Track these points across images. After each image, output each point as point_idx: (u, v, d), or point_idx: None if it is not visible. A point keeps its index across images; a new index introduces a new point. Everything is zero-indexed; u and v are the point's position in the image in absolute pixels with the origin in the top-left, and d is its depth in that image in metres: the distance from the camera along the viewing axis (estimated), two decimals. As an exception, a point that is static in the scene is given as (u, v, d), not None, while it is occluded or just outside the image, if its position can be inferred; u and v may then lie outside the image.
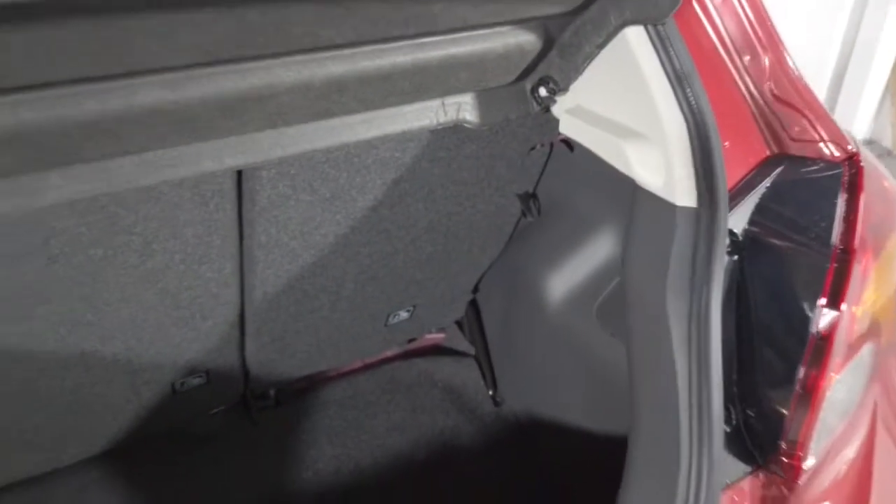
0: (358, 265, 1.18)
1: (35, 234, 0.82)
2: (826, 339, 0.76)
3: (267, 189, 0.92)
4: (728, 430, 0.82)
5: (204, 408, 1.37)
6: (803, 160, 0.88)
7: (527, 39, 0.87)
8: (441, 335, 1.66)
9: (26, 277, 0.86)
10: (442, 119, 0.95)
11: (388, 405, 1.47)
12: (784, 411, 0.78)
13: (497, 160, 1.14)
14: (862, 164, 0.85)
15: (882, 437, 0.89)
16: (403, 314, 1.41)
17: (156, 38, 0.61)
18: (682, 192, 0.83)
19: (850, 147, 0.88)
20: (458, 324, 1.63)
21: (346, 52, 0.76)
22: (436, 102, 0.93)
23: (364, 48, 0.77)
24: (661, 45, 0.82)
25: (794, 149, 0.89)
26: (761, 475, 0.83)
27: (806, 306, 0.77)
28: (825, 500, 0.84)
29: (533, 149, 1.16)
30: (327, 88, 0.77)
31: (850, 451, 0.87)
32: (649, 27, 0.82)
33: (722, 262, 0.79)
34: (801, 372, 0.77)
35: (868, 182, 0.84)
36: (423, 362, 1.59)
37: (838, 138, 0.88)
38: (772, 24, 0.90)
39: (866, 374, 0.85)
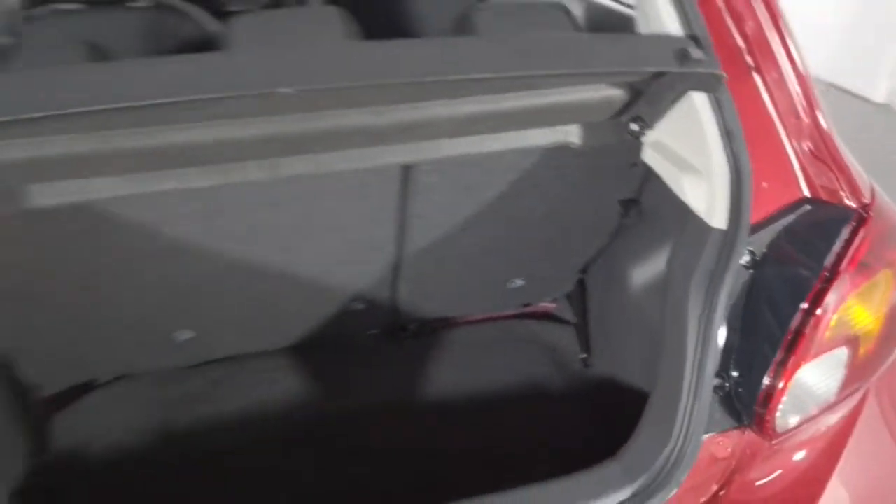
0: (484, 239, 1.56)
1: (272, 192, 1.29)
2: (799, 333, 1.03)
3: (423, 177, 1.33)
4: (721, 394, 1.11)
5: (363, 328, 1.84)
6: (826, 204, 1.13)
7: (620, 93, 1.20)
8: (553, 305, 2.01)
9: (261, 216, 1.33)
10: (552, 140, 1.30)
11: (498, 351, 1.86)
12: (763, 383, 1.07)
13: (601, 172, 1.46)
14: (871, 212, 1.09)
15: (865, 428, 1.14)
16: (519, 282, 1.78)
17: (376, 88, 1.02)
18: (717, 218, 1.13)
19: (864, 199, 1.11)
20: (568, 297, 1.97)
21: (485, 97, 1.14)
22: (549, 129, 1.29)
23: (494, 96, 1.14)
24: (718, 107, 1.12)
25: (822, 194, 1.14)
26: (745, 432, 1.12)
27: (791, 309, 1.05)
28: (793, 456, 1.11)
29: (634, 165, 1.47)
30: (469, 119, 1.16)
31: (824, 428, 1.12)
32: (710, 95, 1.12)
33: (733, 274, 1.08)
34: (778, 356, 1.05)
35: (875, 224, 1.08)
36: (533, 324, 1.96)
37: (857, 191, 1.12)
38: (814, 95, 1.15)
39: (841, 373, 1.10)
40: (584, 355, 1.84)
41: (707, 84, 1.08)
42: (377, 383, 1.75)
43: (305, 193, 1.30)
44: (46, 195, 1.09)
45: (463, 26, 1.33)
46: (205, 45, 1.89)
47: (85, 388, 1.72)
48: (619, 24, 1.76)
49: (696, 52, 1.03)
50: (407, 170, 1.31)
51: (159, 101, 0.88)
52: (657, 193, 1.52)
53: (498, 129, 1.23)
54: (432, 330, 1.91)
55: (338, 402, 1.71)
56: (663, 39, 1.11)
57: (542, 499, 1.08)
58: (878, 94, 4.55)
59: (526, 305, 1.99)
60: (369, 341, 1.88)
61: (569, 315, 1.95)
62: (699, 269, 1.11)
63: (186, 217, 1.25)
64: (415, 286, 1.66)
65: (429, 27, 2.08)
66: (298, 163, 1.18)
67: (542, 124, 1.26)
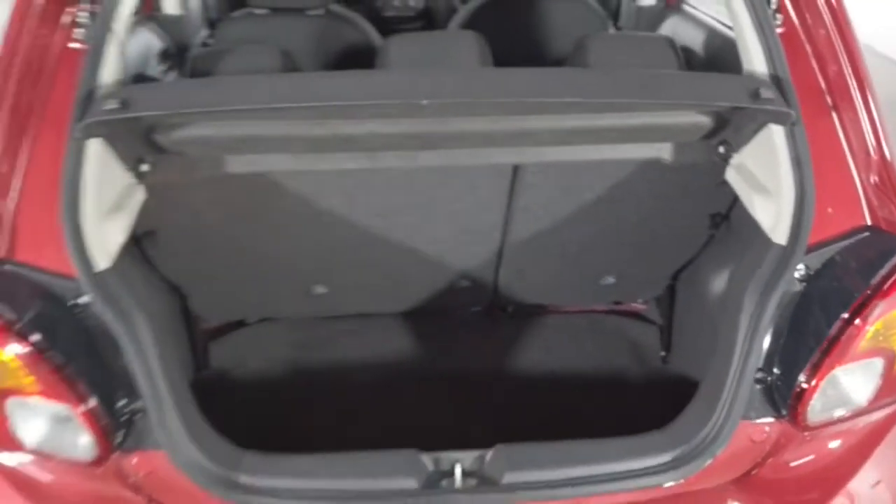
0: (580, 236, 1.78)
1: (407, 179, 1.57)
2: (836, 340, 1.18)
3: (529, 177, 1.57)
4: (763, 386, 1.28)
5: (467, 304, 2.11)
6: (884, 233, 1.26)
7: (707, 120, 1.38)
8: (643, 307, 2.19)
9: (396, 197, 1.62)
10: (645, 155, 1.50)
11: (585, 339, 2.07)
12: (798, 380, 1.22)
13: (691, 188, 1.64)
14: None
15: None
16: (610, 279, 1.97)
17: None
18: (779, 234, 1.29)
19: (920, 231, 1.24)
20: (657, 300, 2.13)
21: (584, 115, 1.37)
22: (643, 145, 1.49)
23: (592, 115, 1.36)
24: (792, 139, 1.28)
25: (882, 224, 1.27)
26: (782, 422, 1.28)
27: (833, 318, 1.20)
28: (826, 445, 1.26)
29: (723, 184, 1.63)
30: (569, 132, 1.39)
31: (860, 426, 1.26)
32: (785, 127, 1.28)
33: (786, 284, 1.24)
34: (815, 358, 1.21)
35: None
36: (621, 320, 2.15)
37: None
38: (883, 135, 1.28)
39: (875, 382, 1.23)
40: (664, 353, 2.01)
41: (781, 118, 1.25)
42: (473, 351, 2.02)
43: (433, 182, 1.58)
44: (240, 164, 1.44)
45: (579, 53, 1.56)
46: (365, 50, 2.24)
47: (237, 325, 2.10)
48: (729, 51, 1.91)
49: (766, 92, 1.21)
50: (516, 169, 1.55)
51: (334, 103, 1.18)
52: (741, 210, 1.68)
53: (596, 142, 1.45)
54: (528, 314, 2.14)
55: (439, 361, 1.99)
56: (743, 79, 1.29)
57: (593, 450, 1.30)
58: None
59: (617, 304, 2.18)
60: (471, 317, 2.15)
61: (656, 317, 2.12)
62: (756, 277, 1.28)
63: (339, 192, 1.57)
64: (514, 271, 1.90)
65: (552, 50, 2.32)
66: (430, 156, 1.47)
67: (636, 140, 1.46)
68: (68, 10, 1.30)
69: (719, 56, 2.05)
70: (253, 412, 1.82)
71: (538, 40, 2.37)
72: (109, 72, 1.26)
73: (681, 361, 1.93)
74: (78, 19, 1.29)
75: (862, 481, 1.26)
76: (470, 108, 1.29)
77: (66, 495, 1.24)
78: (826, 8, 1.34)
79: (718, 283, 1.70)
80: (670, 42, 1.54)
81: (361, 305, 2.06)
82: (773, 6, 1.34)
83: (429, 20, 3.14)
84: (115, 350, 1.23)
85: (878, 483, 1.27)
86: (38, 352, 1.15)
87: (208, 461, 1.26)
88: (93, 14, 1.29)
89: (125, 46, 1.30)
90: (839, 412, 1.26)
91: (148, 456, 1.25)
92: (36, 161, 1.27)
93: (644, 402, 1.83)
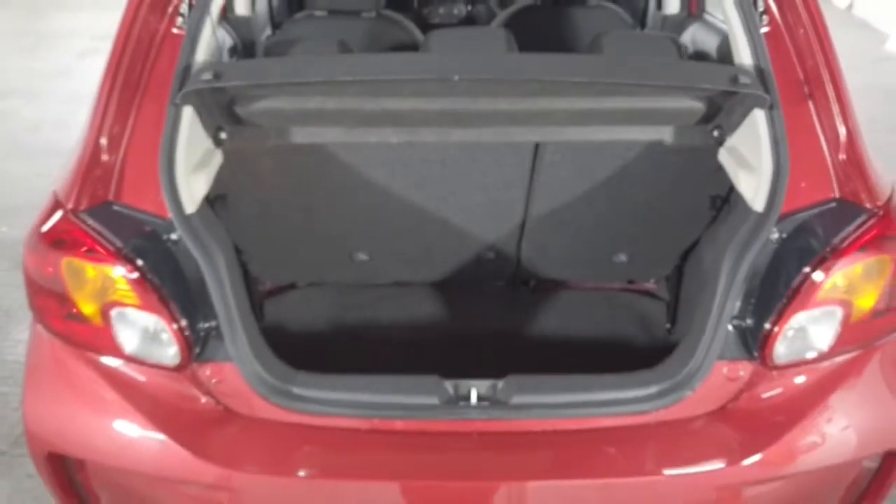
0: (594, 213, 2.01)
1: (442, 153, 1.82)
2: (797, 290, 1.39)
3: (549, 155, 1.81)
4: (738, 332, 1.49)
5: (492, 276, 2.35)
6: (849, 203, 1.47)
7: (700, 105, 1.61)
8: (654, 286, 2.40)
9: (432, 170, 1.87)
10: (649, 137, 1.73)
11: (600, 311, 2.29)
12: (765, 325, 1.43)
13: (693, 170, 1.85)
14: (881, 213, 1.42)
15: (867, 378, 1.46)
16: (623, 256, 2.19)
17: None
18: (758, 204, 1.51)
19: (879, 202, 1.44)
20: (667, 279, 2.34)
21: (594, 98, 1.61)
22: (647, 127, 1.72)
23: (601, 98, 1.60)
24: (771, 122, 1.50)
25: (848, 196, 1.48)
26: (753, 364, 1.49)
27: (796, 271, 1.41)
28: (793, 380, 1.47)
29: (721, 168, 1.84)
30: (582, 113, 1.63)
31: (825, 366, 1.47)
32: (766, 111, 1.50)
33: (760, 245, 1.46)
34: (780, 305, 1.42)
35: (883, 222, 1.41)
36: (632, 296, 2.36)
37: (874, 195, 1.45)
38: (853, 117, 1.49)
39: (835, 328, 1.43)
40: (669, 326, 2.21)
41: (759, 101, 1.47)
42: (495, 317, 2.26)
43: (463, 157, 1.83)
44: (303, 135, 1.71)
45: (593, 48, 1.80)
46: (411, 47, 2.51)
47: (289, 287, 2.38)
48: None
49: (743, 78, 1.43)
50: (537, 147, 1.79)
51: (382, 77, 1.45)
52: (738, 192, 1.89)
53: (605, 123, 1.69)
54: (548, 289, 2.37)
55: (463, 324, 2.23)
56: (726, 68, 1.51)
57: (591, 382, 1.53)
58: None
59: (630, 283, 2.40)
60: (496, 289, 2.39)
61: (664, 294, 2.32)
62: (736, 240, 1.50)
63: (382, 164, 1.83)
64: (535, 245, 2.13)
65: (579, 51, 2.57)
66: (462, 132, 1.72)
67: (639, 123, 1.69)
68: (173, 2, 1.60)
69: (729, 58, 2.27)
70: (301, 357, 2.09)
71: (568, 42, 2.62)
72: (202, 52, 1.55)
73: (683, 331, 2.13)
74: (180, 10, 1.59)
75: (824, 415, 1.46)
76: (494, 86, 1.54)
77: (155, 393, 1.51)
78: (804, 10, 1.57)
79: (712, 255, 1.91)
80: (674, 40, 1.77)
81: (397, 273, 2.31)
82: (760, 9, 1.56)
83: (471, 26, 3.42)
84: (197, 278, 1.50)
85: (837, 419, 1.46)
86: (140, 273, 1.43)
87: (268, 374, 1.53)
88: (191, 5, 1.59)
89: (216, 33, 1.59)
90: (805, 354, 1.46)
91: (219, 367, 1.52)
92: (140, 125, 1.57)
93: (645, 360, 2.04)
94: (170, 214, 1.48)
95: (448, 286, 2.34)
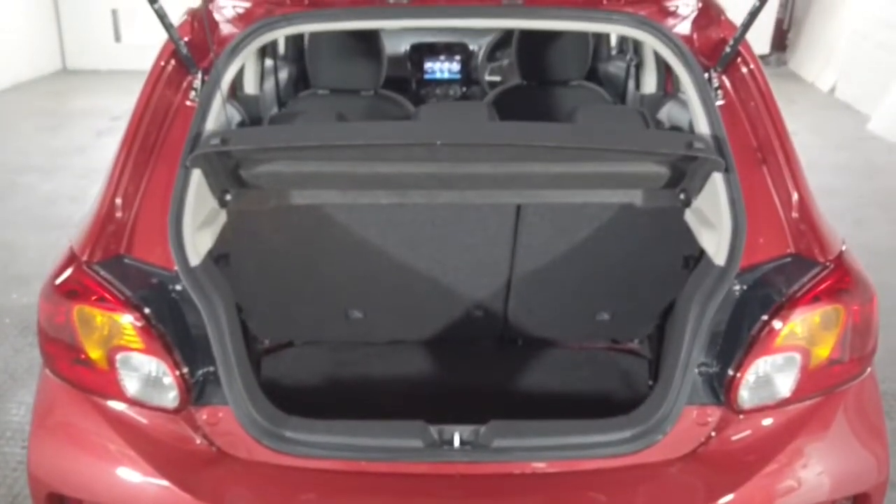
0: (576, 272, 2.13)
1: (431, 215, 1.96)
2: (757, 336, 1.49)
3: (529, 217, 1.95)
4: (705, 378, 1.58)
5: (481, 334, 2.45)
6: (803, 258, 1.59)
7: (663, 169, 1.76)
8: (638, 346, 2.48)
9: (422, 231, 2.00)
10: (620, 199, 1.87)
11: (584, 367, 2.37)
12: (729, 371, 1.52)
13: (665, 231, 1.98)
14: (833, 266, 1.54)
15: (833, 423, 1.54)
16: (605, 315, 2.29)
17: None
18: (720, 258, 1.63)
19: (830, 256, 1.56)
20: (649, 338, 2.43)
21: (568, 163, 1.76)
22: (618, 191, 1.86)
23: (574, 163, 1.75)
24: (728, 184, 1.64)
25: (803, 251, 1.60)
26: (721, 408, 1.56)
27: (755, 319, 1.51)
28: (760, 422, 1.54)
29: (689, 230, 1.96)
30: (557, 177, 1.78)
31: (791, 410, 1.55)
32: (723, 174, 1.64)
33: (720, 296, 1.57)
34: (741, 352, 1.51)
35: (835, 275, 1.52)
36: (616, 355, 2.44)
37: (826, 250, 1.57)
38: (803, 179, 1.63)
39: (794, 374, 1.52)
40: (651, 382, 2.28)
41: (715, 165, 1.62)
42: (482, 372, 2.34)
43: (450, 218, 1.97)
44: (301, 197, 1.86)
45: (569, 118, 1.97)
46: (405, 120, 2.71)
47: (286, 345, 2.48)
48: None
49: (698, 143, 1.58)
50: (519, 208, 1.93)
51: (370, 143, 1.61)
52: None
53: (580, 187, 1.83)
54: (535, 347, 2.46)
55: (451, 379, 2.31)
56: (683, 135, 1.67)
57: (568, 427, 1.60)
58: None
59: (615, 342, 2.49)
60: (485, 347, 2.48)
61: (646, 352, 2.41)
62: (700, 291, 1.61)
63: (374, 224, 1.97)
64: (521, 303, 2.24)
65: (553, 121, 2.76)
66: (448, 195, 1.87)
67: (611, 186, 1.84)
68: (188, 77, 1.79)
69: None
70: (295, 408, 2.16)
71: (549, 117, 2.82)
72: (212, 122, 1.72)
73: None
74: (193, 85, 1.77)
75: (792, 458, 1.52)
76: (474, 151, 1.69)
77: (153, 434, 1.59)
78: (754, 86, 1.74)
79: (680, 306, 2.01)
80: (641, 113, 1.95)
81: (391, 331, 2.41)
82: (715, 85, 1.74)
83: None
84: (198, 326, 1.61)
85: (804, 462, 1.53)
86: (145, 319, 1.54)
87: (261, 417, 1.61)
88: (203, 81, 1.77)
89: (225, 106, 1.77)
90: (768, 399, 1.54)
91: (215, 410, 1.61)
92: (152, 186, 1.72)
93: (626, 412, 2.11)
94: (175, 266, 1.60)
95: (439, 344, 2.43)
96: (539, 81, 3.01)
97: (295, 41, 3.95)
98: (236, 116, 2.87)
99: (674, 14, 1.98)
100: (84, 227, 1.69)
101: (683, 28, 1.83)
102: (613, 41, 3.81)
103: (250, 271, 2.08)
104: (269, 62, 3.33)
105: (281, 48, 3.96)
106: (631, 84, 3.23)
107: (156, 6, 1.60)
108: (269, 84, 3.25)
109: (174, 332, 1.59)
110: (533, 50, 2.92)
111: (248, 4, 2.05)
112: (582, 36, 2.90)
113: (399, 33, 4.73)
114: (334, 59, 2.77)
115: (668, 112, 2.82)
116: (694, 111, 1.75)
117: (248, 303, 2.15)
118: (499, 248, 2.05)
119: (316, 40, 2.78)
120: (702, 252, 2.01)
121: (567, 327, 2.39)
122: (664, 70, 3.11)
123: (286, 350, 2.47)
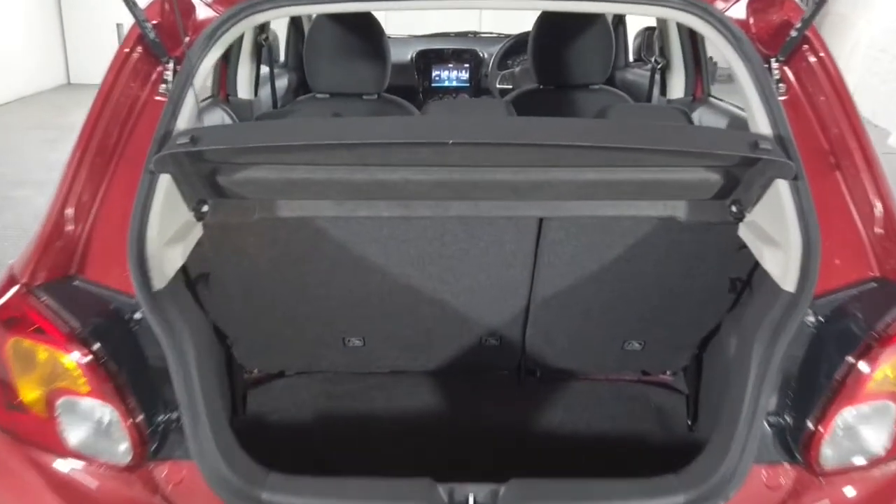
0: (603, 295, 1.85)
1: (440, 229, 1.70)
2: (842, 383, 1.20)
3: (553, 232, 1.67)
4: (776, 430, 1.29)
5: (496, 365, 2.16)
6: (891, 283, 1.30)
7: (716, 176, 1.48)
8: (671, 378, 2.19)
9: (429, 247, 1.73)
10: (660, 213, 1.59)
11: (612, 404, 2.08)
12: (808, 424, 1.23)
13: (710, 250, 1.70)
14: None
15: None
16: (636, 344, 2.01)
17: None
18: (788, 283, 1.35)
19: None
20: (685, 370, 2.14)
21: (601, 169, 1.48)
22: (657, 202, 1.58)
23: (609, 168, 1.48)
24: (797, 193, 1.36)
25: (890, 275, 1.31)
26: (797, 468, 1.27)
27: (839, 360, 1.22)
28: (842, 489, 1.24)
29: (743, 247, 1.69)
30: (588, 185, 1.50)
31: (878, 475, 1.24)
32: (789, 182, 1.36)
33: (794, 328, 1.28)
34: (823, 400, 1.22)
35: None
36: (648, 389, 2.16)
37: None
38: (886, 188, 1.34)
39: (889, 427, 1.22)
40: (690, 422, 1.99)
41: (783, 170, 1.34)
42: (497, 410, 2.05)
43: (462, 234, 1.70)
44: (289, 209, 1.60)
45: (599, 117, 1.70)
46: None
47: (277, 376, 2.21)
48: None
49: (764, 144, 1.31)
50: (541, 224, 1.66)
51: (368, 141, 1.34)
52: (761, 273, 1.73)
53: (613, 197, 1.56)
54: (555, 379, 2.18)
55: (463, 418, 2.03)
56: (745, 134, 1.39)
57: (605, 489, 1.32)
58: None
59: (645, 374, 2.20)
60: (500, 379, 2.20)
61: (683, 387, 2.12)
62: (766, 323, 1.33)
63: (375, 240, 1.70)
64: (541, 330, 1.96)
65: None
66: (460, 206, 1.59)
67: (650, 197, 1.56)
68: (157, 67, 1.53)
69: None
70: (283, 453, 1.89)
71: (563, 114, 2.56)
72: (184, 119, 1.46)
73: (708, 429, 1.92)
74: (164, 75, 1.51)
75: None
76: (492, 154, 1.43)
77: (101, 499, 1.32)
78: (824, 76, 1.46)
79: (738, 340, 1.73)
80: (683, 112, 1.67)
81: (393, 361, 2.14)
82: (776, 76, 1.46)
83: None
84: (161, 364, 1.34)
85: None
86: (95, 358, 1.27)
87: (233, 475, 1.33)
88: (175, 71, 1.51)
89: (198, 100, 1.51)
90: (856, 459, 1.25)
91: (178, 466, 1.33)
92: (112, 193, 1.46)
93: (665, 459, 1.82)
94: (134, 289, 1.34)
95: (447, 375, 2.15)
96: (557, 85, 2.75)
97: (296, 47, 3.73)
98: (227, 120, 2.63)
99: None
100: (28, 243, 1.43)
101: (738, 11, 1.56)
102: (632, 46, 3.57)
103: (234, 293, 1.81)
104: (265, 69, 3.10)
105: (281, 56, 3.74)
106: (656, 89, 2.97)
107: None
108: (266, 90, 3.01)
109: (130, 371, 1.32)
110: (552, 50, 2.66)
111: None
112: (605, 34, 2.65)
113: (405, 39, 4.50)
114: (335, 59, 2.52)
115: (700, 118, 2.55)
116: (750, 107, 1.47)
117: (233, 328, 1.89)
118: (517, 268, 1.78)
119: (315, 39, 2.53)
120: (751, 274, 1.73)
121: (592, 357, 2.10)
122: (693, 73, 2.86)
123: (276, 381, 2.20)
